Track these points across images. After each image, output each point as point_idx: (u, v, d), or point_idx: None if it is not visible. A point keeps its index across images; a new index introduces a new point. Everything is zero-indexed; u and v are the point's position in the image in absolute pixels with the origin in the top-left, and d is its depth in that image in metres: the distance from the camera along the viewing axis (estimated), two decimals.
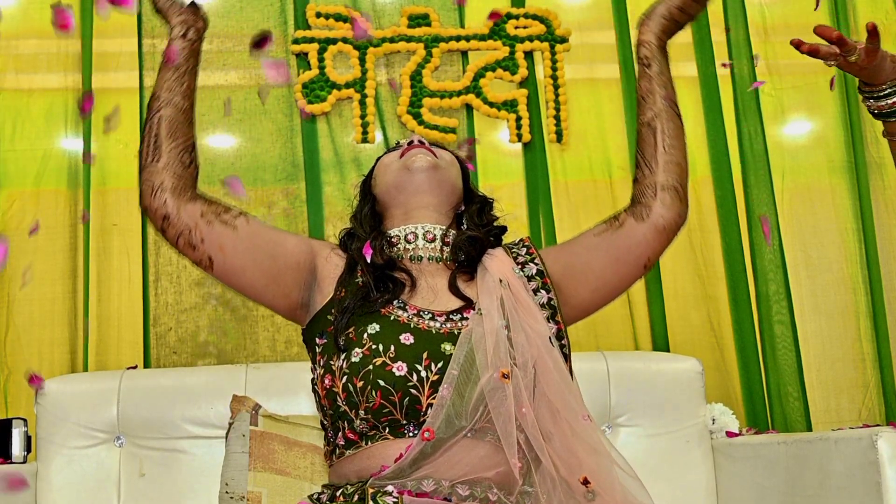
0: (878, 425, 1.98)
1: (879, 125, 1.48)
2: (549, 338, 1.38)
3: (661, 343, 2.53)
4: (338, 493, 1.28)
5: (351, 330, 1.37)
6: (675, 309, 2.60)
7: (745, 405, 2.53)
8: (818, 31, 1.34)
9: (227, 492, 1.92)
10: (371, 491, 1.21)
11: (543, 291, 1.47)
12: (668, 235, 1.50)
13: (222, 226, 1.40)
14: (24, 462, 2.08)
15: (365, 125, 2.62)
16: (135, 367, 2.30)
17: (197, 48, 1.46)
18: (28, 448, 2.10)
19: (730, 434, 2.20)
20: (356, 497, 1.24)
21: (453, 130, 2.64)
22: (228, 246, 1.40)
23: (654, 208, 1.48)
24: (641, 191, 1.50)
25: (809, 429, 2.50)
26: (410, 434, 1.30)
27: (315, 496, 1.35)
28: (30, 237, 1.58)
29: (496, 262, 1.47)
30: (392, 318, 1.38)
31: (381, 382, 1.30)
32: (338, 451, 1.37)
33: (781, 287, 2.59)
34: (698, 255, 2.67)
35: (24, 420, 2.10)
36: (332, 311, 1.41)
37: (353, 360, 1.33)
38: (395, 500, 1.20)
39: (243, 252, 1.41)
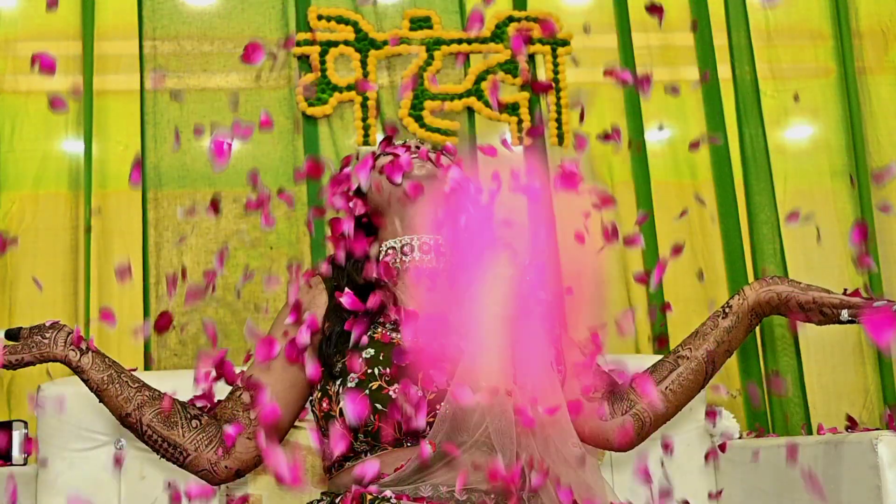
0: (878, 429, 1.98)
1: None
2: (551, 362, 1.38)
3: (662, 347, 2.52)
4: (337, 500, 1.28)
5: (347, 358, 1.36)
6: (676, 313, 2.58)
7: (745, 409, 2.53)
8: None
9: (227, 495, 1.92)
10: (369, 497, 1.21)
11: None
12: (602, 446, 1.47)
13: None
14: (25, 464, 2.08)
15: (366, 128, 2.62)
16: (135, 370, 2.28)
17: (95, 349, 1.42)
18: (28, 450, 2.09)
19: (730, 438, 2.19)
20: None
21: (454, 133, 2.64)
22: (279, 423, 1.42)
23: (613, 421, 1.46)
24: (621, 396, 1.47)
25: (810, 432, 2.50)
26: (409, 444, 1.30)
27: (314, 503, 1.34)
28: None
29: None
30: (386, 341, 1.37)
31: (379, 406, 1.29)
32: (337, 464, 1.37)
33: None
34: (699, 258, 2.66)
35: (25, 422, 2.10)
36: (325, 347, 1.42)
37: (349, 385, 1.32)
38: None
39: (288, 407, 1.44)
